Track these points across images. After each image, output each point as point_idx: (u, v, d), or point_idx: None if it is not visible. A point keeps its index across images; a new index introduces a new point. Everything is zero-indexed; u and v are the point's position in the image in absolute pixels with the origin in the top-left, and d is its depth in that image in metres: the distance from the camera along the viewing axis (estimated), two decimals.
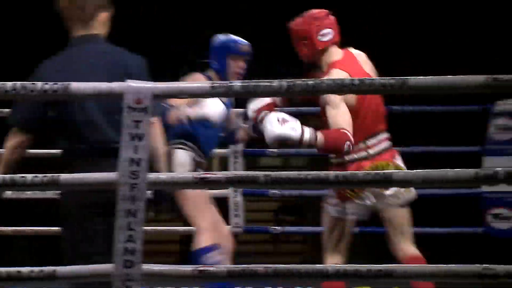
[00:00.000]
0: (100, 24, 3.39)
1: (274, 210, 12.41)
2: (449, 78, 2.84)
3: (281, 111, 4.02)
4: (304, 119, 4.03)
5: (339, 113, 3.99)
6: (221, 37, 4.84)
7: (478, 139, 6.06)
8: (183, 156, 4.68)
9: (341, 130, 3.95)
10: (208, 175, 2.91)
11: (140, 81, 2.90)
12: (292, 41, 4.27)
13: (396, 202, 4.15)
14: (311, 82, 2.86)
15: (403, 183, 2.96)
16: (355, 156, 4.12)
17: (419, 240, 4.25)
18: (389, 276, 2.85)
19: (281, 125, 3.84)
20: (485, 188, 5.75)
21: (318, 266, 2.88)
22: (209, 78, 4.71)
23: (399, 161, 4.22)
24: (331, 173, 2.89)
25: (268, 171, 2.95)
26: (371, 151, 4.14)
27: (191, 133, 4.71)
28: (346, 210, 4.20)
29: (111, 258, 2.87)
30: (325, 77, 4.03)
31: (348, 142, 3.93)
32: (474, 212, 6.27)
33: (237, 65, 4.76)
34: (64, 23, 3.40)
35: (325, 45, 4.19)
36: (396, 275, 2.86)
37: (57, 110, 3.28)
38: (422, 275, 2.92)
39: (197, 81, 4.45)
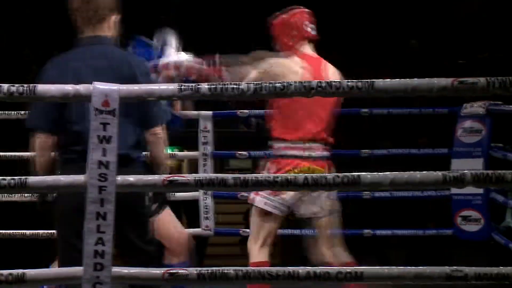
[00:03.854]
0: (110, 26, 3.40)
1: (244, 213, 12.42)
2: (415, 80, 2.87)
3: None
4: None
5: (249, 73, 4.24)
6: None
7: (446, 141, 6.11)
8: None
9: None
10: (177, 177, 2.91)
11: (107, 83, 2.88)
12: (275, 34, 4.39)
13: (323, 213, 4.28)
14: (279, 84, 2.88)
15: (371, 185, 2.97)
16: (291, 152, 4.19)
17: (391, 242, 4.28)
18: (359, 278, 2.87)
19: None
20: (453, 190, 5.78)
21: (288, 268, 2.89)
22: None
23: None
24: (300, 176, 2.90)
25: (237, 173, 2.96)
26: (312, 154, 4.22)
27: None
28: (276, 203, 4.24)
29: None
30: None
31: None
32: (443, 214, 6.31)
33: None
34: (72, 23, 3.40)
35: (309, 36, 4.37)
36: (366, 277, 2.88)
37: (65, 111, 3.31)
38: (391, 277, 2.93)
39: None
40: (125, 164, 3.18)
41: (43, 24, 10.86)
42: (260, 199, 4.20)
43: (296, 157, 4.19)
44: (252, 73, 4.25)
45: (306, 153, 4.20)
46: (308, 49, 4.37)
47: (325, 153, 4.27)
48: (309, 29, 4.37)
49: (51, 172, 3.31)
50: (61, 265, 3.22)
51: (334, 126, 4.38)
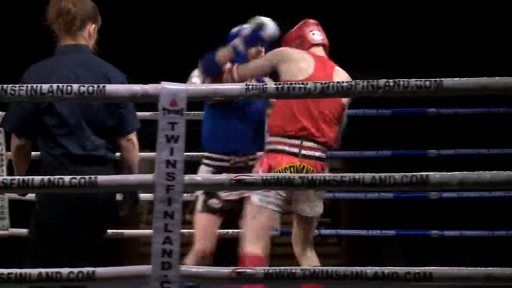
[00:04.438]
0: (87, 35, 3.54)
1: None
2: (485, 79, 2.83)
3: None
4: None
5: (257, 62, 4.35)
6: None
7: None
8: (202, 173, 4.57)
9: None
10: (244, 177, 2.92)
11: (174, 83, 2.93)
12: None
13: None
14: (345, 83, 2.87)
15: (440, 185, 2.94)
16: (282, 148, 4.19)
17: (460, 243, 4.23)
18: (428, 279, 2.84)
19: None
20: None
21: (356, 268, 2.88)
22: None
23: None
24: (367, 175, 2.88)
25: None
26: (304, 152, 4.19)
27: (211, 135, 4.60)
28: (271, 199, 4.23)
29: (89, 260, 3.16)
30: None
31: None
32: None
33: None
34: (51, 32, 3.52)
35: (316, 43, 4.43)
36: (435, 277, 2.85)
37: (46, 116, 3.41)
38: (460, 278, 2.90)
39: None
40: (102, 164, 3.43)
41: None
42: (255, 196, 4.23)
43: (288, 153, 4.19)
44: (258, 60, 4.36)
45: (297, 150, 4.20)
46: (320, 52, 4.43)
47: (318, 153, 4.25)
48: (315, 37, 4.43)
49: (25, 172, 3.47)
50: (39, 264, 3.19)
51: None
